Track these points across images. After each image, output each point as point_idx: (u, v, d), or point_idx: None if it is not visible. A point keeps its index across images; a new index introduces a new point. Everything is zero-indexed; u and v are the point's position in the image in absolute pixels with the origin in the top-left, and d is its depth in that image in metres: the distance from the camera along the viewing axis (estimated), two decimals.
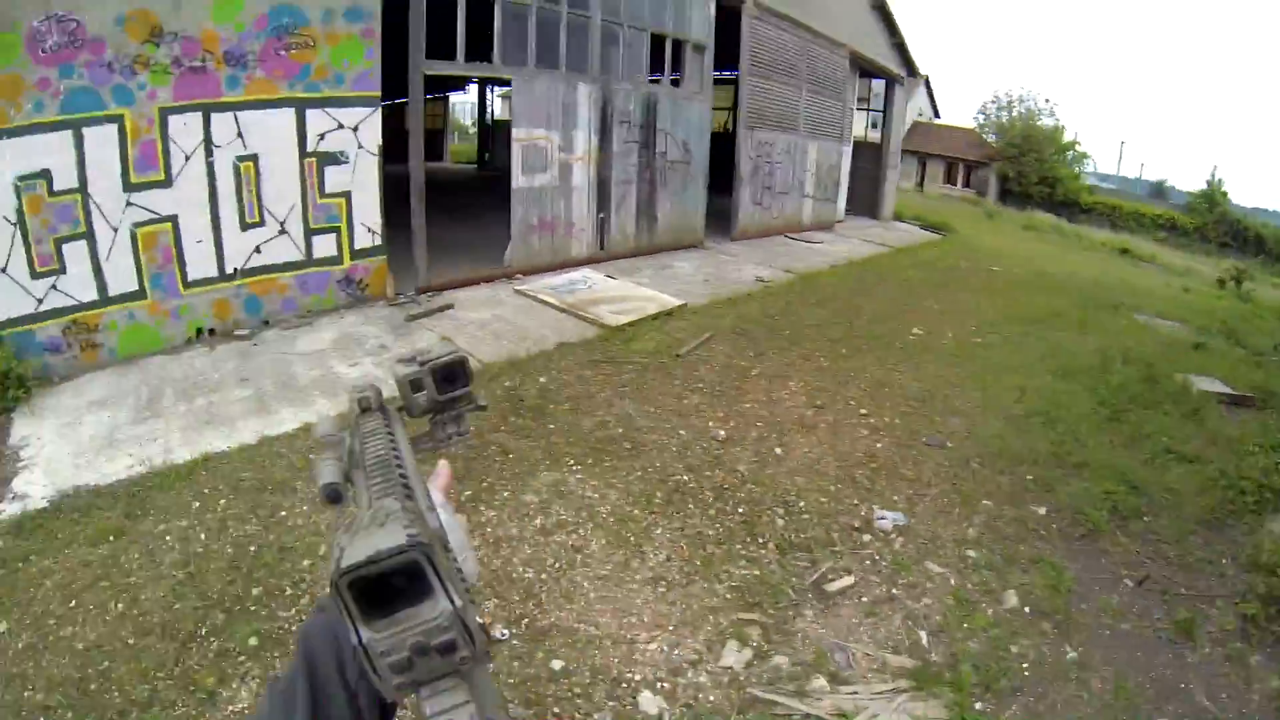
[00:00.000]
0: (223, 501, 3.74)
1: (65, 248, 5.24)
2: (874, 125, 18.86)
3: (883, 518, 4.16)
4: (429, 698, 0.42)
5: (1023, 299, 9.83)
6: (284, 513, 3.67)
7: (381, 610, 0.42)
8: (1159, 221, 23.15)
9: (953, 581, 3.59)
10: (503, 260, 8.53)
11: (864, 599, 3.43)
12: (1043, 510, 4.27)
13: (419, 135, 7.52)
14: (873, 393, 5.77)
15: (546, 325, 6.67)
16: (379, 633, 0.41)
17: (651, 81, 10.10)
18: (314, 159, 6.46)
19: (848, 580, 3.55)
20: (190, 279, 5.92)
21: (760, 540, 3.77)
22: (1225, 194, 24.12)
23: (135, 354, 5.61)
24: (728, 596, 3.33)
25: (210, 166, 5.84)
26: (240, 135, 5.96)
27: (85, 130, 5.18)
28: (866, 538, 3.93)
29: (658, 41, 9.85)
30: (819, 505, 4.13)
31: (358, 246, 6.99)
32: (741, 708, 2.73)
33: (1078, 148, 25.16)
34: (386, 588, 0.42)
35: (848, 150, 15.53)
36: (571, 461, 4.33)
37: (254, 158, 6.07)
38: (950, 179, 29.52)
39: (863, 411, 5.39)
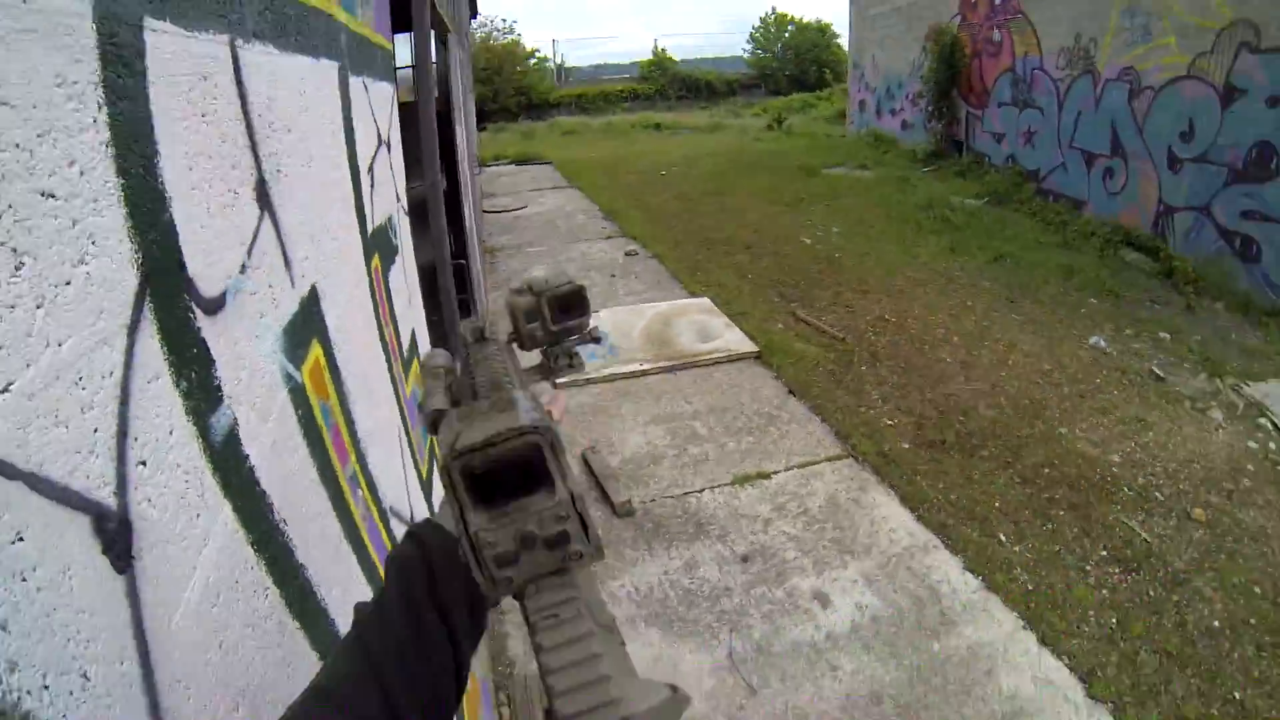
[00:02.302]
0: None
1: None
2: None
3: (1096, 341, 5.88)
4: (534, 595, 0.40)
5: (769, 187, 11.95)
6: None
7: (489, 505, 0.41)
8: (623, 95, 27.86)
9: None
10: None
11: None
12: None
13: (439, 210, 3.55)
14: (963, 295, 7.22)
15: (713, 390, 5.82)
16: (489, 522, 0.40)
17: None
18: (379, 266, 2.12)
19: None
20: None
21: None
22: (672, 58, 30.43)
23: None
24: None
25: None
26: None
27: None
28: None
29: None
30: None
31: None
32: None
33: (538, 55, 28.12)
34: (495, 484, 0.40)
35: None
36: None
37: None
38: None
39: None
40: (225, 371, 0.88)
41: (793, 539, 3.95)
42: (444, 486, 0.41)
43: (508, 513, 0.40)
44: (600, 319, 7.14)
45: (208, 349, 0.84)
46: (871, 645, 3.25)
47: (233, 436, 0.88)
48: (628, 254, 9.34)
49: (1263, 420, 4.65)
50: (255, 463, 0.96)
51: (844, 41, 26.02)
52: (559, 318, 0.71)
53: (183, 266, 0.80)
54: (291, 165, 1.29)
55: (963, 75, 11.97)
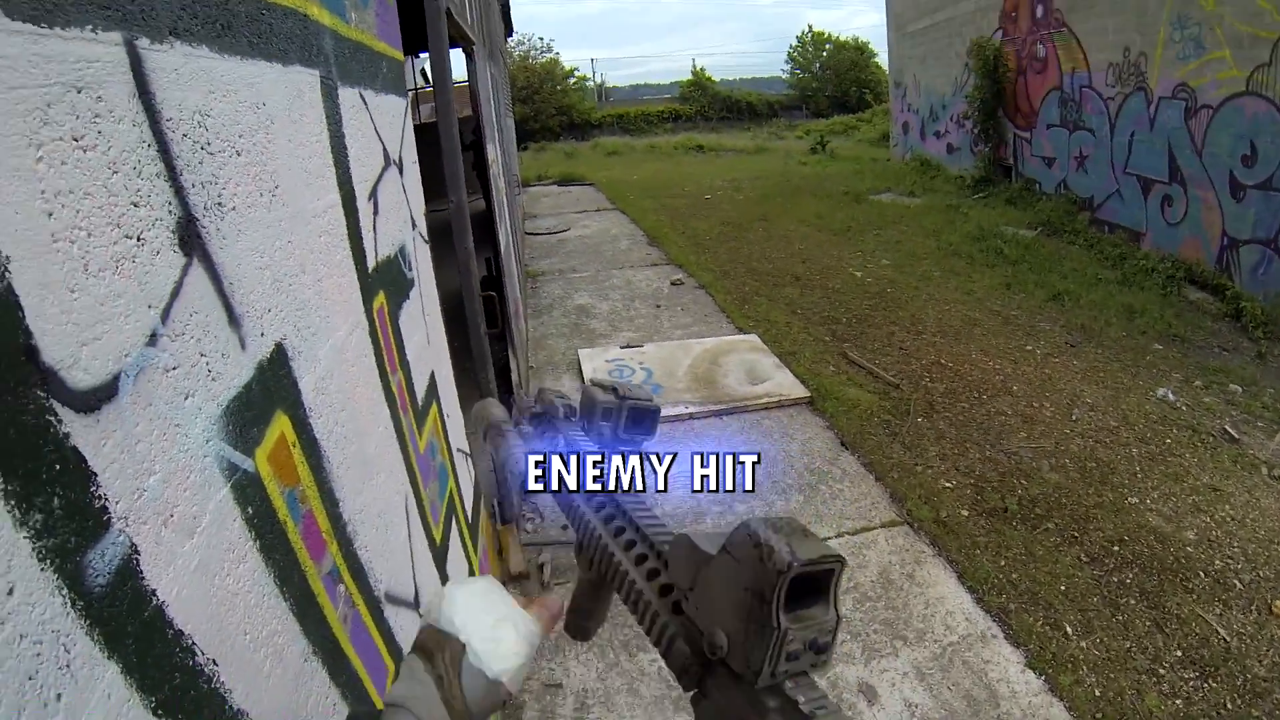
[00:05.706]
0: None
1: None
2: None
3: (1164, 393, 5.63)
4: (795, 690, 0.44)
5: (816, 214, 11.79)
6: None
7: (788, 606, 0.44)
8: (664, 116, 27.77)
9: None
10: None
11: None
12: None
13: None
14: (1019, 330, 7.04)
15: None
16: (794, 623, 0.44)
17: None
18: (384, 306, 1.84)
19: None
20: None
21: None
22: (711, 78, 30.41)
23: None
24: None
25: None
26: None
27: None
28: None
29: None
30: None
31: None
32: None
33: (577, 74, 28.15)
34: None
35: None
36: None
37: None
38: None
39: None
40: (114, 486, 0.67)
41: (841, 619, 3.86)
42: (762, 586, 0.44)
43: (804, 618, 0.45)
44: (645, 353, 7.12)
45: (82, 460, 0.63)
46: None
47: (127, 572, 0.68)
48: (673, 283, 9.19)
49: None
50: (168, 597, 0.74)
51: (882, 60, 25.59)
52: (630, 429, 0.72)
53: (32, 353, 0.58)
54: (240, 196, 1.03)
55: (1008, 95, 11.60)
